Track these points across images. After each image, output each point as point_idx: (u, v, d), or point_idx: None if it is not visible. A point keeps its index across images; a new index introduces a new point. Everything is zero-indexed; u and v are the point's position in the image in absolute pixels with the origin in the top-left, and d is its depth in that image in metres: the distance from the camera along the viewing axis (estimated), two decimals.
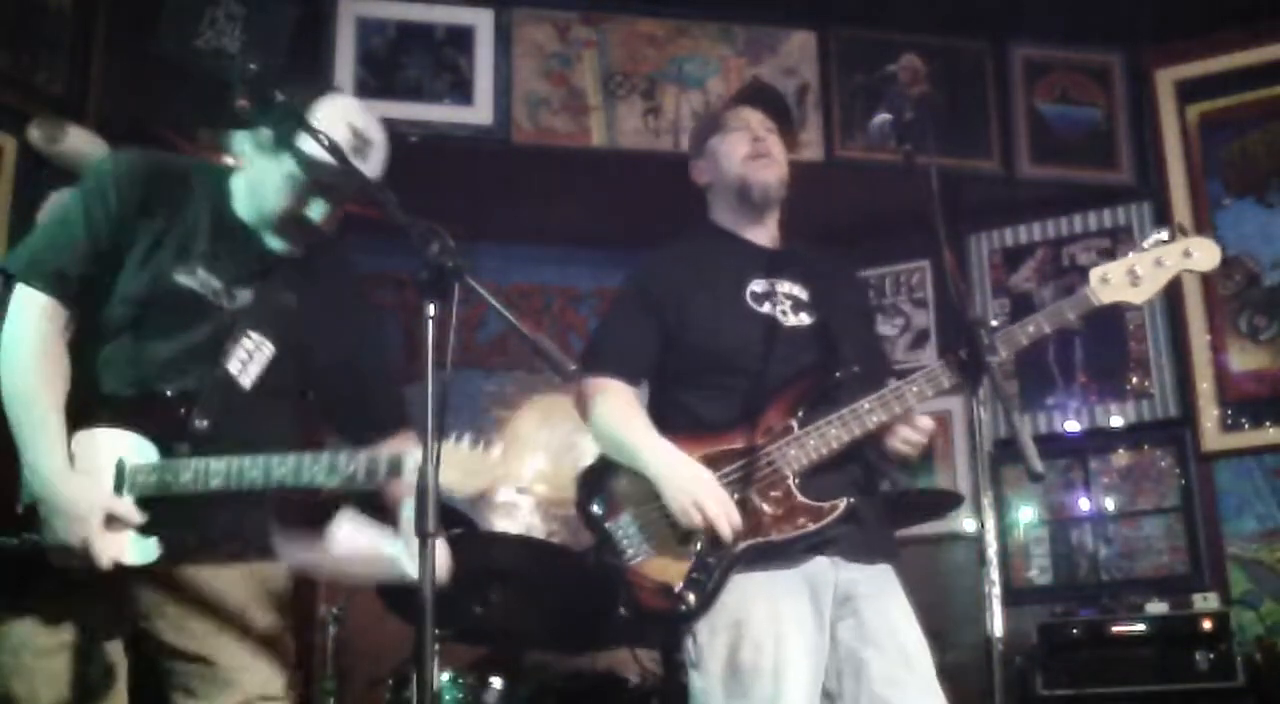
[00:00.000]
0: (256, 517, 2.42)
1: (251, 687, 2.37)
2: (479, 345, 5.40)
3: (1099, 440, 5.10)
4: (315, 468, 2.22)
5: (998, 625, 2.11)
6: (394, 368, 2.56)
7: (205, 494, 2.26)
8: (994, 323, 2.57)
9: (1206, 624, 4.24)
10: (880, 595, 2.61)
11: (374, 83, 4.78)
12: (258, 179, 2.40)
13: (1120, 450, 5.07)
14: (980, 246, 5.42)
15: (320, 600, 4.47)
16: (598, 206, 5.38)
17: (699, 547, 2.55)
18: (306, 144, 2.28)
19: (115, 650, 2.38)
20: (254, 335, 2.40)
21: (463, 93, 4.89)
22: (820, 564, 2.58)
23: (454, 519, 3.76)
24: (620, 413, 2.69)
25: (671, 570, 2.56)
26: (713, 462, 2.59)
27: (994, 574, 2.13)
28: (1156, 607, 4.39)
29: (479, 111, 4.89)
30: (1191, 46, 5.07)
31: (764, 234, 2.91)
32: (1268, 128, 4.95)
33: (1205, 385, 4.90)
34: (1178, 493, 4.95)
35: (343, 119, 2.36)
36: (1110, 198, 5.24)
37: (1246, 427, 4.82)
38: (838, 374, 2.65)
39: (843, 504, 2.55)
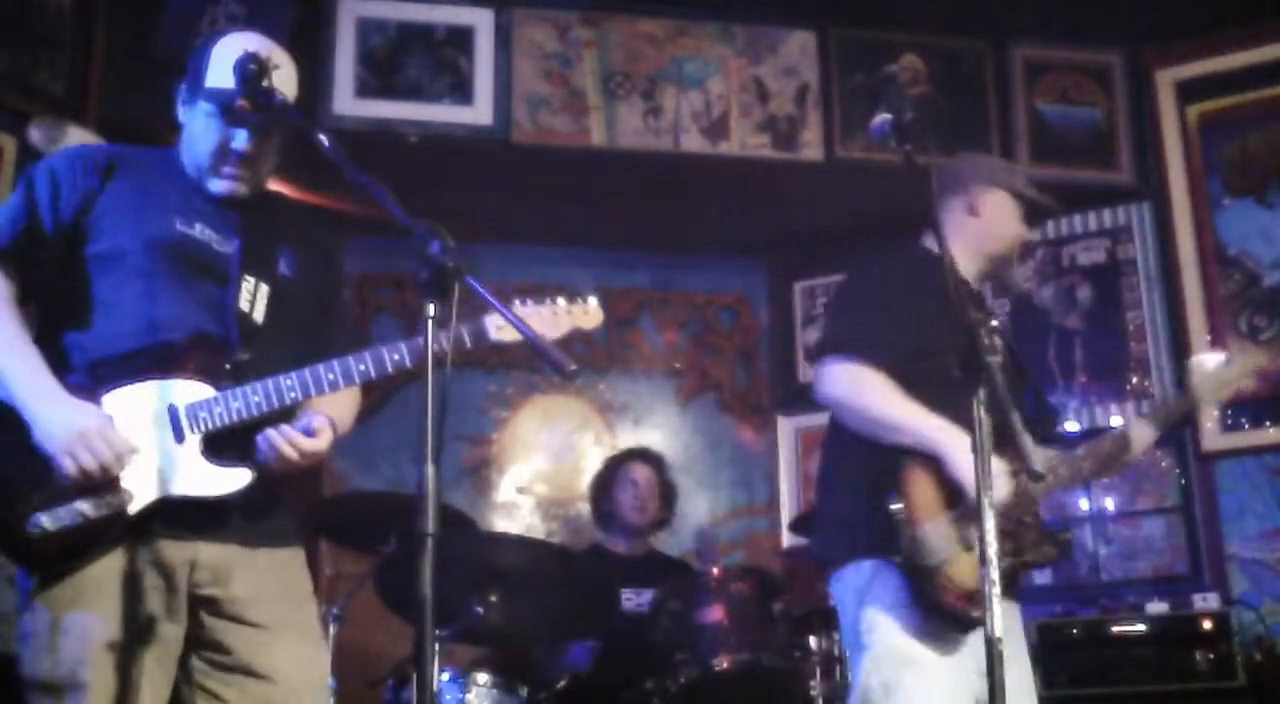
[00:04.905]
0: (275, 513, 2.48)
1: (305, 670, 2.41)
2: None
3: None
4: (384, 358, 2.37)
5: (998, 625, 2.11)
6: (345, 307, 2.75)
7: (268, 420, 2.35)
8: (994, 323, 2.57)
9: (1206, 624, 4.24)
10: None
11: (374, 83, 4.79)
12: (189, 133, 2.51)
13: None
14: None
15: (320, 600, 4.47)
16: (598, 206, 5.38)
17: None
18: (211, 81, 2.41)
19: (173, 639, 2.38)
20: (249, 278, 2.46)
21: (463, 93, 4.89)
22: None
23: (454, 519, 3.76)
24: (892, 395, 2.69)
25: (964, 576, 2.60)
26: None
27: (994, 574, 2.13)
28: (1156, 607, 4.39)
29: (479, 111, 4.89)
30: (1191, 46, 5.07)
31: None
32: (1268, 128, 4.95)
33: None
34: (1178, 493, 4.95)
35: (239, 47, 2.45)
36: (1110, 198, 5.24)
37: (1246, 427, 4.82)
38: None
39: (1070, 539, 2.69)
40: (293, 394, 2.35)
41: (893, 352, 2.70)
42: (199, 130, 2.46)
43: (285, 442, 2.33)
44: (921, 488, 2.65)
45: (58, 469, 2.25)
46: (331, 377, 2.35)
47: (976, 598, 2.50)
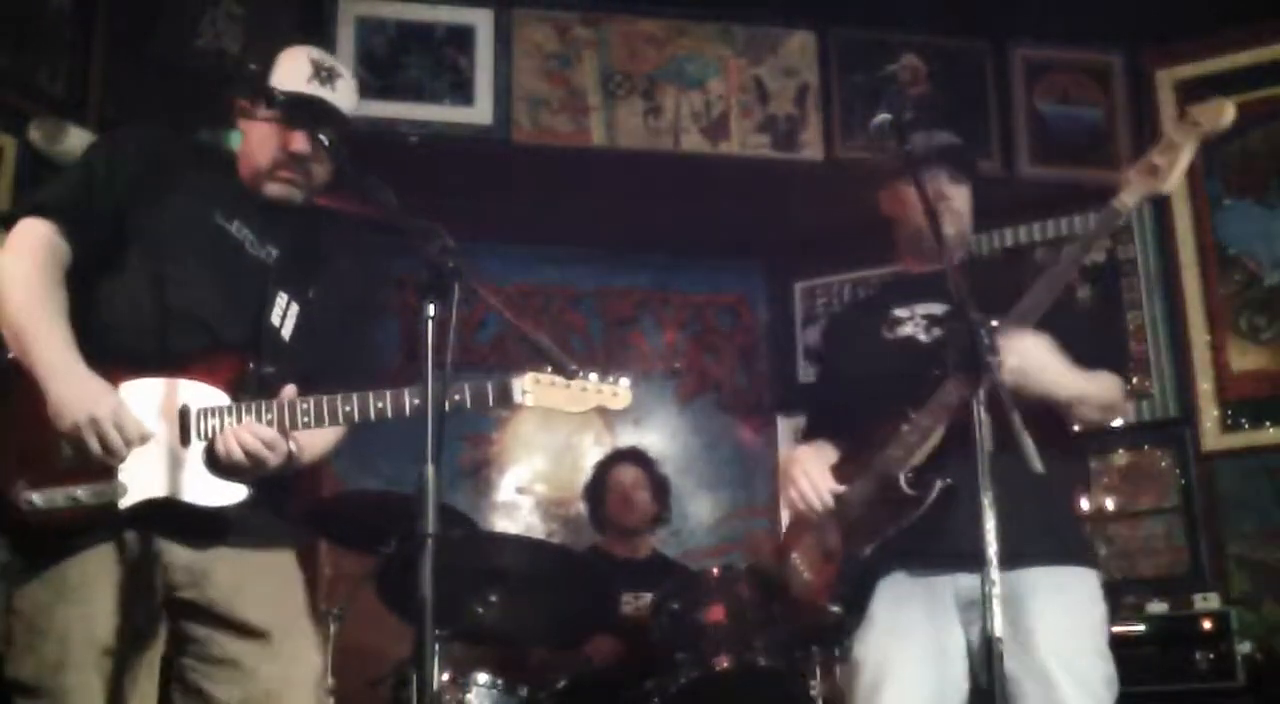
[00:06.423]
0: (264, 513, 2.45)
1: (297, 665, 2.41)
2: (479, 345, 5.40)
3: (1099, 440, 5.10)
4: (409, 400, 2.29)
5: (998, 625, 2.11)
6: (378, 347, 2.76)
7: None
8: (994, 323, 2.56)
9: (1206, 624, 4.23)
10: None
11: (374, 83, 4.78)
12: (249, 138, 2.51)
13: (1120, 450, 5.07)
14: (980, 247, 5.41)
15: (320, 600, 4.47)
16: (598, 206, 5.38)
17: (840, 556, 2.66)
18: (275, 86, 2.43)
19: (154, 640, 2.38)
20: (283, 294, 2.46)
21: (463, 93, 4.89)
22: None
23: (454, 519, 3.76)
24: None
25: (820, 585, 2.69)
26: (847, 482, 2.70)
27: (994, 574, 2.13)
28: (1156, 607, 4.38)
29: (479, 111, 4.89)
30: (1192, 46, 5.07)
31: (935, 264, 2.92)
32: (1268, 128, 4.95)
33: (1205, 385, 4.90)
34: (1178, 493, 4.95)
35: (303, 55, 2.47)
36: (1110, 198, 5.23)
37: (1246, 427, 4.82)
38: (935, 371, 2.59)
39: (936, 487, 2.54)
40: (305, 420, 2.32)
41: (826, 419, 2.97)
42: (260, 135, 2.48)
43: (247, 430, 2.29)
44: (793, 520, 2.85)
45: (61, 447, 2.25)
46: (348, 409, 2.32)
47: (818, 603, 2.70)
